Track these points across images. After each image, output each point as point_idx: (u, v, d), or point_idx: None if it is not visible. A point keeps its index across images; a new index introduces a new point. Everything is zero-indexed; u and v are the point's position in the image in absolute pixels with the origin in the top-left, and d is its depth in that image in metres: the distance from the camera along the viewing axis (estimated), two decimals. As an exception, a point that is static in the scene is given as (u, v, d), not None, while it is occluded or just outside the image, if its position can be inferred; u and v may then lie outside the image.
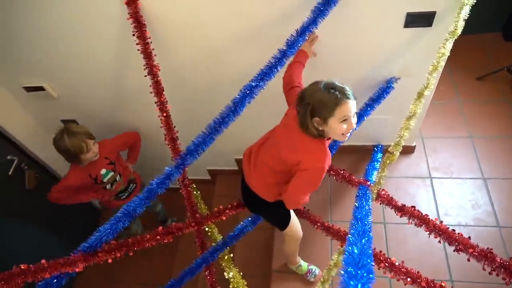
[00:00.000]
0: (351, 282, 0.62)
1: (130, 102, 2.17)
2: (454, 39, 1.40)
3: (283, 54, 1.37)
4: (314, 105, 1.20)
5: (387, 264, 1.26)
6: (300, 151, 1.30)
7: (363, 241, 0.91)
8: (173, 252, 2.75)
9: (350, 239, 0.93)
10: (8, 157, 2.21)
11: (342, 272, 0.69)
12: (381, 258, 1.30)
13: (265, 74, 1.36)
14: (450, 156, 2.26)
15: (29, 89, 2.09)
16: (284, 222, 1.69)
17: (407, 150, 2.31)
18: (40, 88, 2.08)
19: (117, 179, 2.17)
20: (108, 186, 2.14)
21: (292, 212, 1.71)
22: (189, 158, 1.34)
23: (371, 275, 0.70)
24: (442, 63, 1.44)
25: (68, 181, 1.99)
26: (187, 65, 1.88)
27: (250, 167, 1.54)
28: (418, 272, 1.20)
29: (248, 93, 1.35)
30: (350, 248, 0.82)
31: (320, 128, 1.24)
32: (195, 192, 2.71)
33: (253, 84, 1.35)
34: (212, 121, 1.36)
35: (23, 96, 2.16)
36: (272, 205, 1.54)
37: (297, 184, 1.34)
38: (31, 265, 1.12)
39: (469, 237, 1.22)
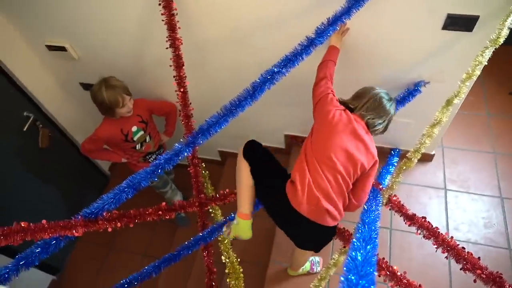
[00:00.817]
0: (350, 292, 0.59)
1: (149, 73, 2.14)
2: (494, 48, 1.31)
3: (310, 42, 1.31)
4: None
5: (388, 273, 1.22)
6: (374, 150, 1.39)
7: (368, 247, 0.87)
8: (174, 228, 2.77)
9: (355, 243, 0.89)
10: (25, 114, 2.23)
11: (342, 278, 0.66)
12: (383, 266, 1.26)
13: (289, 61, 1.30)
14: (469, 170, 2.18)
15: (51, 48, 2.08)
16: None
17: (425, 158, 2.23)
18: (62, 48, 2.07)
19: (147, 140, 2.17)
20: (137, 147, 2.15)
21: None
22: (201, 138, 1.31)
23: (372, 287, 0.66)
24: (478, 72, 1.36)
25: (100, 132, 2.01)
26: (210, 43, 1.83)
27: (331, 198, 1.32)
28: (419, 285, 1.15)
29: (269, 78, 1.30)
30: (353, 253, 0.78)
31: None
32: (203, 172, 2.71)
33: (275, 69, 1.30)
34: (228, 103, 1.32)
35: (45, 54, 2.16)
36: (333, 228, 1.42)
37: (370, 184, 1.42)
38: (31, 224, 1.12)
39: (479, 258, 1.17)
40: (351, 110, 1.41)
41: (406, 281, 1.16)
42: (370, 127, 1.40)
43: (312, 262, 1.97)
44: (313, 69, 1.80)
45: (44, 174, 2.48)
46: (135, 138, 2.10)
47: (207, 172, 2.76)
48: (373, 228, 1.08)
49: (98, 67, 2.19)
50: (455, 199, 2.08)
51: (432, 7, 1.39)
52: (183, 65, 1.62)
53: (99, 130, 2.03)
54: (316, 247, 1.55)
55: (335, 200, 1.32)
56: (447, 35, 1.46)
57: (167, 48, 1.61)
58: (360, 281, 0.65)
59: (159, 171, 1.29)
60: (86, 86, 2.40)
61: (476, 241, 1.93)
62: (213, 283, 1.84)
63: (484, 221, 1.99)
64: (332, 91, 1.44)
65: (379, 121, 1.40)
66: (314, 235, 1.42)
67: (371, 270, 0.75)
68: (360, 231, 1.03)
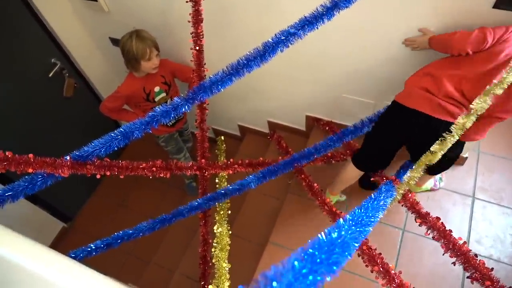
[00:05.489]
0: (295, 263, 0.48)
1: (176, 33, 2.08)
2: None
3: (334, 4, 1.17)
4: None
5: (381, 269, 1.09)
6: None
7: (353, 228, 0.75)
8: (183, 195, 2.76)
9: (340, 222, 0.78)
10: (52, 60, 2.26)
11: (298, 251, 0.55)
12: (378, 261, 1.13)
13: (308, 23, 1.17)
14: (505, 181, 1.94)
15: (82, -4, 2.08)
16: None
17: (457, 161, 2.01)
18: (93, -2, 2.06)
19: (168, 103, 2.13)
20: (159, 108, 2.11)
21: None
22: (202, 94, 1.23)
23: (334, 267, 0.55)
24: (528, 60, 1.17)
25: (122, 89, 1.99)
26: (236, 7, 1.73)
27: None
28: (414, 288, 1.02)
29: (283, 39, 1.18)
30: (328, 231, 0.67)
31: None
32: (220, 145, 2.65)
33: (291, 30, 1.18)
34: (236, 61, 1.22)
35: (78, 3, 2.16)
36: None
37: None
38: (17, 155, 1.11)
39: (492, 269, 1.01)
40: None
41: (398, 281, 1.03)
42: None
43: (435, 179, 1.94)
44: (340, 46, 1.67)
45: (63, 123, 2.52)
46: (156, 99, 2.07)
47: (224, 145, 2.71)
48: (369, 215, 0.95)
49: (127, 22, 2.16)
50: (482, 210, 1.86)
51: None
52: (201, 21, 1.54)
53: (122, 86, 2.01)
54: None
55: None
56: (499, 15, 1.26)
57: (187, 1, 1.53)
58: (322, 256, 0.54)
59: (154, 123, 1.24)
60: (115, 41, 2.39)
61: (499, 259, 1.72)
62: (206, 254, 1.79)
63: (513, 239, 1.78)
64: None
65: None
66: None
67: (346, 253, 0.64)
68: (353, 213, 0.91)
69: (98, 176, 1.26)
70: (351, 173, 1.71)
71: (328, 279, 0.54)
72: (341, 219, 0.82)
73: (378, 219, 1.06)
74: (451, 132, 1.28)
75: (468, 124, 1.27)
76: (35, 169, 1.12)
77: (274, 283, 0.44)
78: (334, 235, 0.67)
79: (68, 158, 1.18)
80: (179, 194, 2.78)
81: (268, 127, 2.55)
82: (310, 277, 0.49)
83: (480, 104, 1.25)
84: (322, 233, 0.67)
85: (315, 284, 0.50)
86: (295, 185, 2.07)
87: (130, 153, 3.11)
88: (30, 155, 1.13)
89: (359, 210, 0.95)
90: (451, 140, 1.32)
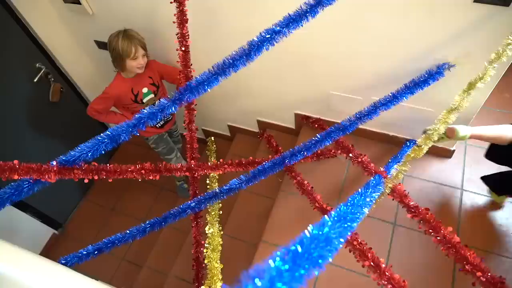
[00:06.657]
0: (277, 259, 0.48)
1: (162, 35, 2.07)
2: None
3: (318, 2, 1.18)
4: None
5: (372, 264, 1.10)
6: None
7: (337, 225, 0.75)
8: (175, 198, 2.75)
9: (325, 218, 0.78)
10: (37, 65, 2.24)
11: (281, 247, 0.55)
12: (369, 256, 1.14)
13: (292, 21, 1.18)
14: (493, 172, 1.97)
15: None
16: None
17: (444, 153, 2.04)
18: (77, 1, 2.04)
19: (155, 105, 2.12)
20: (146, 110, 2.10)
21: None
22: (188, 95, 1.23)
23: (319, 261, 0.55)
24: (509, 53, 1.19)
25: (110, 89, 1.97)
26: (222, 6, 1.73)
27: None
28: (403, 281, 1.03)
29: (268, 38, 1.18)
30: (312, 227, 0.67)
31: None
32: (210, 145, 2.65)
33: (275, 28, 1.18)
34: (221, 61, 1.22)
35: (62, 7, 2.14)
36: None
37: None
38: (1, 162, 1.09)
39: (482, 258, 1.02)
40: None
41: (388, 275, 1.04)
42: None
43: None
44: (327, 43, 1.68)
45: (50, 128, 2.50)
46: (144, 100, 2.06)
47: (215, 146, 2.71)
48: (354, 211, 0.96)
49: (112, 25, 2.13)
50: (471, 201, 1.89)
51: (464, -26, 1.21)
52: (186, 22, 1.54)
53: (109, 87, 1.99)
54: None
55: None
56: (480, 9, 1.28)
57: (171, 2, 1.52)
58: (305, 254, 0.55)
59: (141, 125, 1.23)
60: (100, 45, 2.37)
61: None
62: (199, 255, 1.79)
63: (502, 229, 1.80)
64: None
65: None
66: None
67: (329, 254, 0.65)
68: (338, 209, 0.91)
69: (86, 181, 1.25)
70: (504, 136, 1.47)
71: (315, 274, 0.54)
72: (326, 216, 0.82)
73: (364, 214, 1.07)
74: None
75: (452, 119, 1.29)
76: (20, 175, 1.11)
77: (257, 280, 0.44)
78: (318, 231, 0.67)
79: (54, 163, 1.17)
80: (172, 196, 2.77)
81: (257, 126, 2.55)
82: (294, 273, 0.49)
83: (460, 100, 1.27)
84: (306, 230, 0.68)
85: (300, 279, 0.50)
86: (286, 183, 2.08)
87: (121, 155, 3.10)
88: (15, 161, 1.11)
89: (345, 206, 0.96)
90: (436, 133, 1.34)
